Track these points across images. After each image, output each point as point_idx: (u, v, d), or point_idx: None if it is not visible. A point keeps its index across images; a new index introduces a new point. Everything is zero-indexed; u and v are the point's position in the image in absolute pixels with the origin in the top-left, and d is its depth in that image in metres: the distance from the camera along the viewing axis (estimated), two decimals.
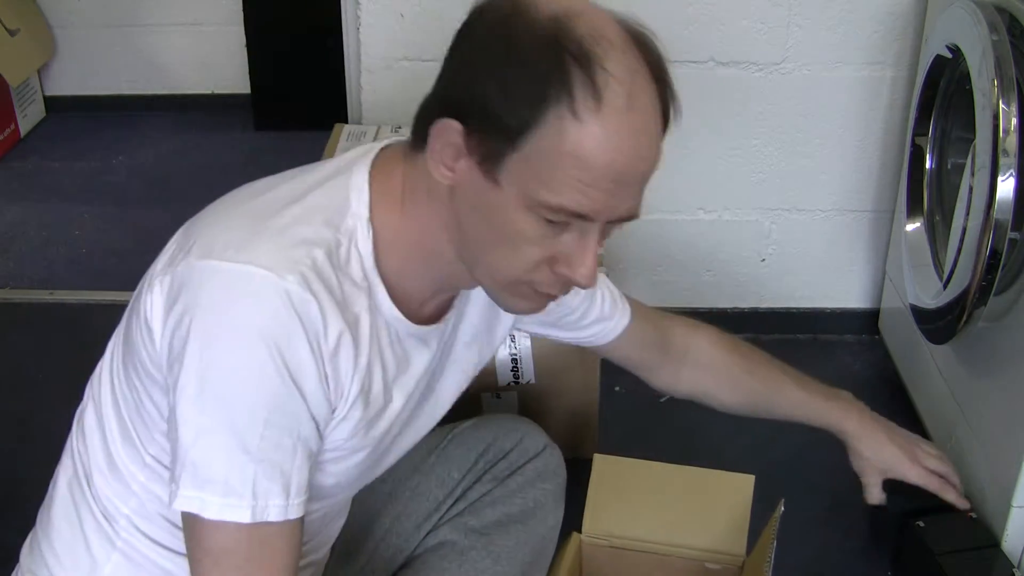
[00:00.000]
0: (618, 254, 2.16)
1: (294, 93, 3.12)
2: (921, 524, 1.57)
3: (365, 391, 0.97)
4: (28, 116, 3.19)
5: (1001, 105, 1.43)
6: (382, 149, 1.00)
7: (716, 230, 2.15)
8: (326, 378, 0.92)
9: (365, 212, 0.95)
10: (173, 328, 0.89)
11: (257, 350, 0.86)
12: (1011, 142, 1.43)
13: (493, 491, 1.34)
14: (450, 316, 1.08)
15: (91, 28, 3.24)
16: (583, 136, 0.84)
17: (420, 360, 1.05)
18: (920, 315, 1.73)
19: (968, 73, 1.56)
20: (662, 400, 2.05)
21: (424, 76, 2.22)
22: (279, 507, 0.90)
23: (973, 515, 1.60)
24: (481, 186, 0.89)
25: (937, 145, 1.81)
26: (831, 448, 1.94)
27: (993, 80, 1.44)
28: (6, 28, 3.02)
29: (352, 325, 0.93)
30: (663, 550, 1.39)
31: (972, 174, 1.53)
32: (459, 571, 1.28)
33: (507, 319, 1.19)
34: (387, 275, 0.97)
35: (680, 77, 2.07)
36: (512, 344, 1.75)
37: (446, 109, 0.90)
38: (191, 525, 0.91)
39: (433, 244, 0.96)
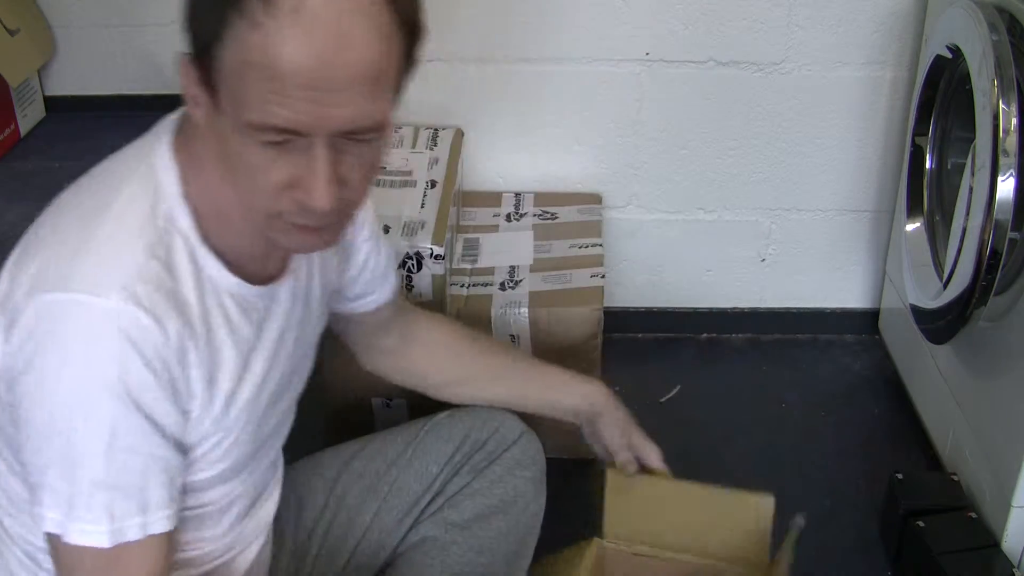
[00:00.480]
0: (618, 254, 2.16)
1: None
2: (921, 524, 1.57)
3: (214, 375, 0.97)
4: (28, 116, 3.18)
5: (1001, 105, 1.43)
6: (181, 117, 0.98)
7: (716, 230, 2.15)
8: (173, 385, 0.92)
9: (177, 189, 0.93)
10: (10, 363, 0.90)
11: (90, 380, 0.87)
12: (1011, 142, 1.43)
13: (472, 483, 1.33)
14: (293, 264, 1.06)
15: (91, 28, 3.23)
16: (262, 43, 0.80)
17: (276, 319, 1.04)
18: (920, 315, 1.73)
19: (968, 73, 1.56)
20: (662, 400, 2.06)
21: (424, 76, 2.23)
22: (137, 526, 0.92)
23: (973, 515, 1.60)
24: (213, 117, 0.87)
25: (937, 145, 1.81)
26: (831, 449, 1.95)
27: (993, 80, 1.44)
28: (6, 28, 3.02)
29: (191, 316, 0.93)
30: (684, 559, 1.37)
31: (972, 174, 1.53)
32: (442, 566, 1.28)
33: (354, 254, 1.19)
34: (217, 244, 0.95)
35: (680, 77, 2.09)
36: (512, 344, 1.75)
37: (186, 45, 0.88)
38: (55, 547, 0.93)
39: (231, 195, 0.93)
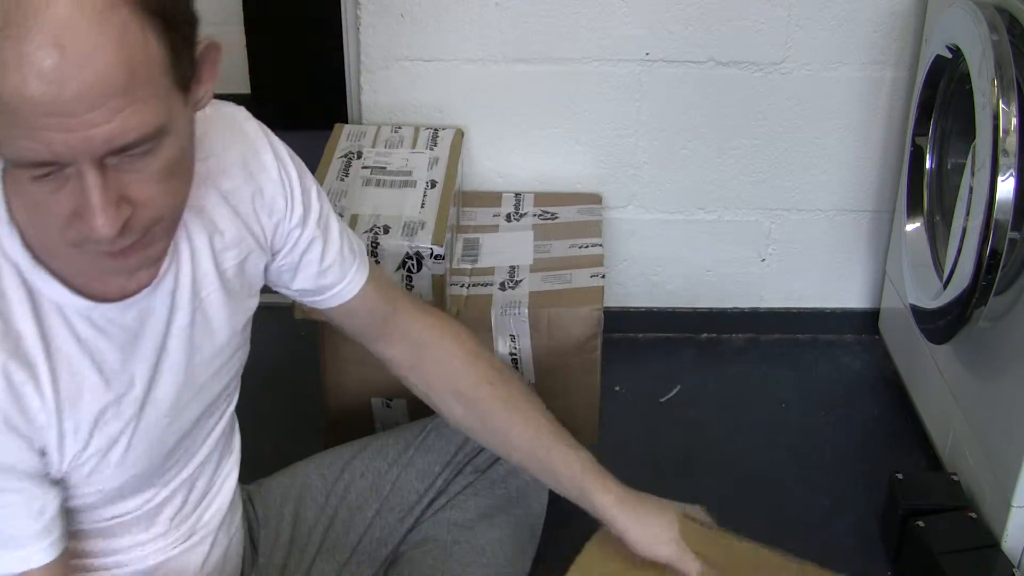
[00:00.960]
0: (618, 254, 2.16)
1: (294, 93, 3.11)
2: (921, 524, 1.57)
3: (71, 401, 0.94)
4: None
5: (1001, 105, 1.43)
6: None
7: (716, 230, 2.15)
8: (8, 422, 0.89)
9: (3, 214, 0.89)
10: None
11: None
12: (1011, 142, 1.43)
13: (475, 483, 1.32)
14: (162, 270, 0.99)
15: None
16: None
17: (152, 329, 0.99)
18: (920, 315, 1.73)
19: (968, 73, 1.56)
20: (662, 400, 2.06)
21: (424, 76, 2.24)
22: (14, 560, 0.92)
23: (973, 515, 1.60)
24: None
25: (937, 145, 1.81)
26: (831, 448, 1.95)
27: (993, 80, 1.44)
28: None
29: (25, 347, 0.90)
30: None
31: (972, 174, 1.53)
32: (444, 567, 1.27)
33: (279, 243, 1.11)
34: (56, 267, 0.91)
35: (680, 77, 2.09)
36: (512, 344, 1.75)
37: None
38: None
39: None
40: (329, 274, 1.18)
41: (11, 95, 0.74)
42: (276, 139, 1.12)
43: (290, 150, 1.14)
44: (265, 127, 1.11)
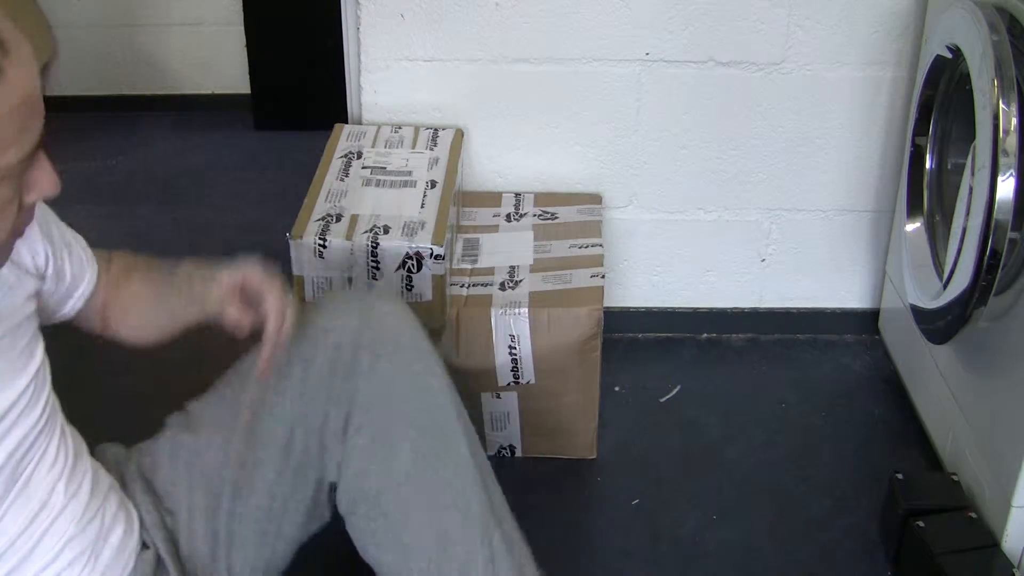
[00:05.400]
0: (618, 254, 2.16)
1: (294, 93, 3.12)
2: (921, 524, 1.57)
3: None
4: None
5: (1001, 105, 1.43)
6: None
7: (716, 230, 2.15)
8: None
9: None
10: None
11: None
12: (1011, 142, 1.43)
13: (352, 461, 1.22)
14: None
15: (91, 28, 3.24)
16: (15, 88, 0.89)
17: None
18: (920, 315, 1.73)
19: (968, 73, 1.56)
20: (662, 400, 2.06)
21: (424, 76, 2.23)
22: None
23: (973, 515, 1.60)
24: None
25: (937, 145, 1.82)
26: (831, 449, 1.95)
27: (993, 80, 1.45)
28: None
29: None
30: None
31: (972, 174, 1.53)
32: (388, 523, 1.22)
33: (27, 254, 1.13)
34: None
35: (680, 77, 2.09)
36: (512, 344, 1.75)
37: None
38: None
39: None
40: (77, 269, 1.23)
41: (22, 104, 0.86)
42: None
43: None
44: None
